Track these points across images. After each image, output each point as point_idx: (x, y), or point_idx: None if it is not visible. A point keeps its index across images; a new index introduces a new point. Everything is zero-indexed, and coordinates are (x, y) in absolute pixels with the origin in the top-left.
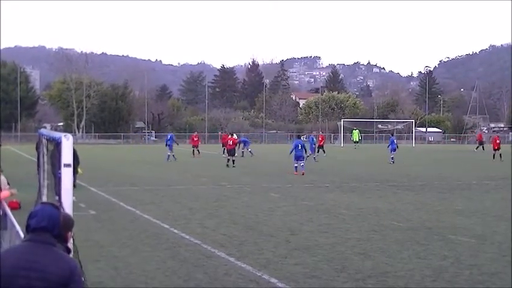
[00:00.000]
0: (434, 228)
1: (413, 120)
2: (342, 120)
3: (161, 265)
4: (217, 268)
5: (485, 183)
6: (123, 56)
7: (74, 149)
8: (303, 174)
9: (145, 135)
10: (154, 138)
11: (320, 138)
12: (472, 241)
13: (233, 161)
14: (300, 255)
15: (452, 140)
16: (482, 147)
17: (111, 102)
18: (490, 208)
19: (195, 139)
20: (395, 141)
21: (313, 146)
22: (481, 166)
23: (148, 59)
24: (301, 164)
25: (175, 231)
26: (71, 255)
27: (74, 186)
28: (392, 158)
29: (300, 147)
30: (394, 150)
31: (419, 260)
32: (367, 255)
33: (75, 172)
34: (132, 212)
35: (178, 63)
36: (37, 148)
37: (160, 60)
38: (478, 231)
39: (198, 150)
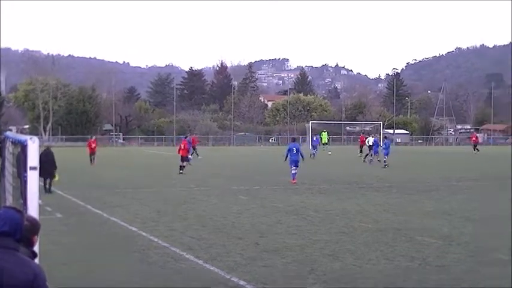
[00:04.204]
0: (403, 230)
1: (381, 122)
2: (310, 122)
3: (129, 268)
4: (186, 271)
5: (453, 185)
6: (90, 58)
7: (52, 154)
8: (293, 183)
9: (113, 137)
10: (122, 141)
11: (361, 140)
12: (439, 242)
13: (183, 167)
14: (269, 257)
15: (419, 141)
16: (477, 148)
17: (78, 105)
18: (457, 209)
19: (93, 145)
20: (389, 144)
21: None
22: (449, 168)
23: (116, 61)
24: (295, 171)
25: (144, 234)
26: (37, 259)
27: (50, 191)
28: (385, 161)
29: (295, 151)
30: (387, 154)
31: (387, 262)
32: (335, 257)
33: (51, 177)
34: (100, 215)
35: (146, 66)
36: (0, 151)
37: (128, 63)
38: (445, 232)
39: (93, 158)
